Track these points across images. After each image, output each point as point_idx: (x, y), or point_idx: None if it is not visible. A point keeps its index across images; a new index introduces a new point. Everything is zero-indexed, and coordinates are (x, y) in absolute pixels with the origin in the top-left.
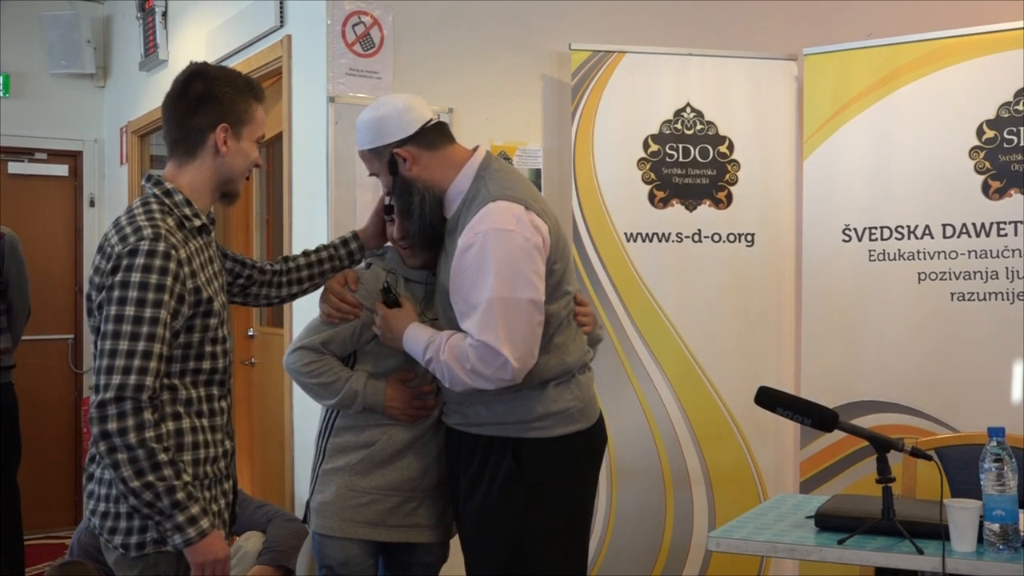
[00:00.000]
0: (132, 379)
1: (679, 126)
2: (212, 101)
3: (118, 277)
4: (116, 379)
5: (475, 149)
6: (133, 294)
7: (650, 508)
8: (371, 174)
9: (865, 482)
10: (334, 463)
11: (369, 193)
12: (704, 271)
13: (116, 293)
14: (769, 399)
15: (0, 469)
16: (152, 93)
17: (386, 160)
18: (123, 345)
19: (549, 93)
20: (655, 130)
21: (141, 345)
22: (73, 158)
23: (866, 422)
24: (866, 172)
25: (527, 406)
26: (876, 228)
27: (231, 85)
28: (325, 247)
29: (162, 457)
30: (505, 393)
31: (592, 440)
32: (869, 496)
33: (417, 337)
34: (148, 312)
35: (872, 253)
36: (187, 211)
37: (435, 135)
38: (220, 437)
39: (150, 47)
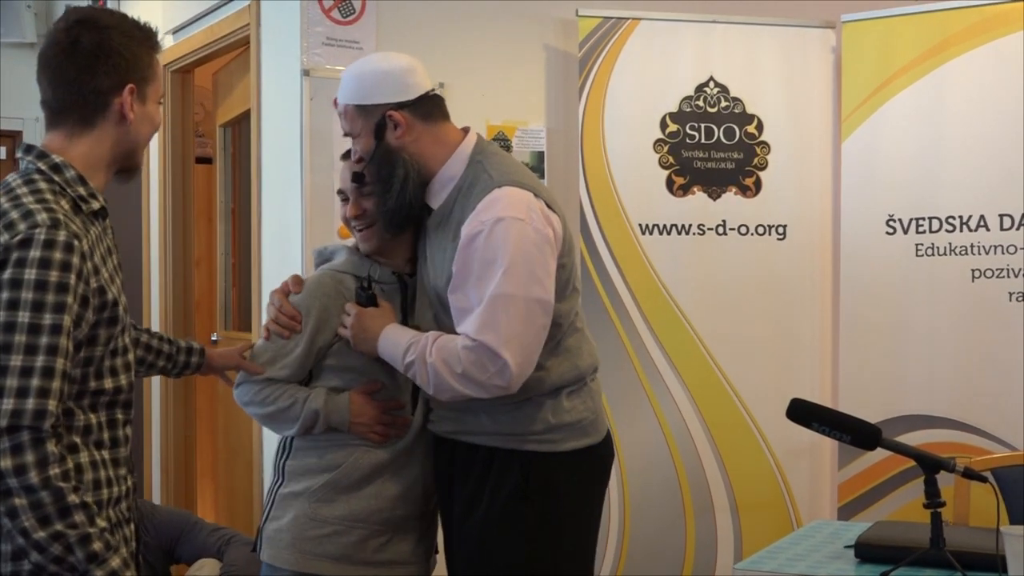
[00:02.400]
0: (30, 404)
1: (701, 103)
2: (113, 56)
3: (6, 275)
4: (9, 404)
5: (465, 131)
6: (28, 296)
7: (668, 536)
8: (347, 134)
9: (911, 507)
10: (293, 487)
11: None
12: (729, 267)
13: (5, 295)
14: (803, 413)
15: None
16: None
17: (374, 121)
18: (16, 361)
19: (553, 65)
20: (674, 108)
21: (40, 360)
22: (11, 138)
23: (912, 439)
24: (912, 155)
25: (536, 416)
26: (924, 219)
27: (129, 36)
28: (172, 342)
29: (72, 499)
30: (512, 400)
31: (603, 456)
32: (916, 523)
33: (396, 338)
34: (47, 319)
35: (919, 247)
36: (81, 191)
37: (433, 107)
38: (123, 473)
39: None
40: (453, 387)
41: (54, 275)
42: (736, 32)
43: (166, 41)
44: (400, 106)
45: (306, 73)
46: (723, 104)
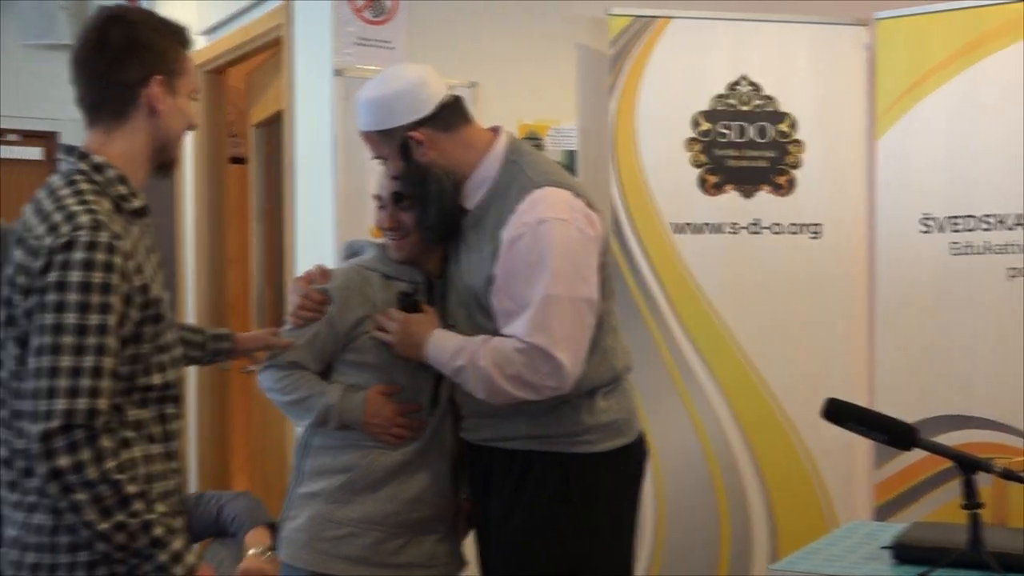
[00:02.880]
0: (82, 402)
1: (733, 101)
2: (140, 49)
3: (52, 277)
4: (61, 404)
5: (494, 130)
6: (73, 297)
7: (702, 537)
8: (375, 157)
9: (949, 508)
10: (310, 487)
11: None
12: (763, 266)
13: (52, 297)
14: (838, 413)
15: None
16: None
17: (397, 144)
18: (66, 361)
19: (585, 64)
20: (706, 106)
21: (88, 360)
22: (47, 139)
23: (950, 439)
24: (948, 153)
25: (574, 418)
26: (960, 217)
27: (157, 30)
28: (201, 330)
29: (130, 489)
30: (549, 402)
31: (638, 455)
32: (954, 524)
33: (444, 343)
34: (94, 319)
35: (955, 246)
36: (122, 189)
37: (452, 114)
38: (175, 466)
39: None
40: (506, 390)
41: (98, 276)
42: (769, 30)
43: (199, 42)
44: (419, 124)
45: (338, 73)
46: (756, 102)
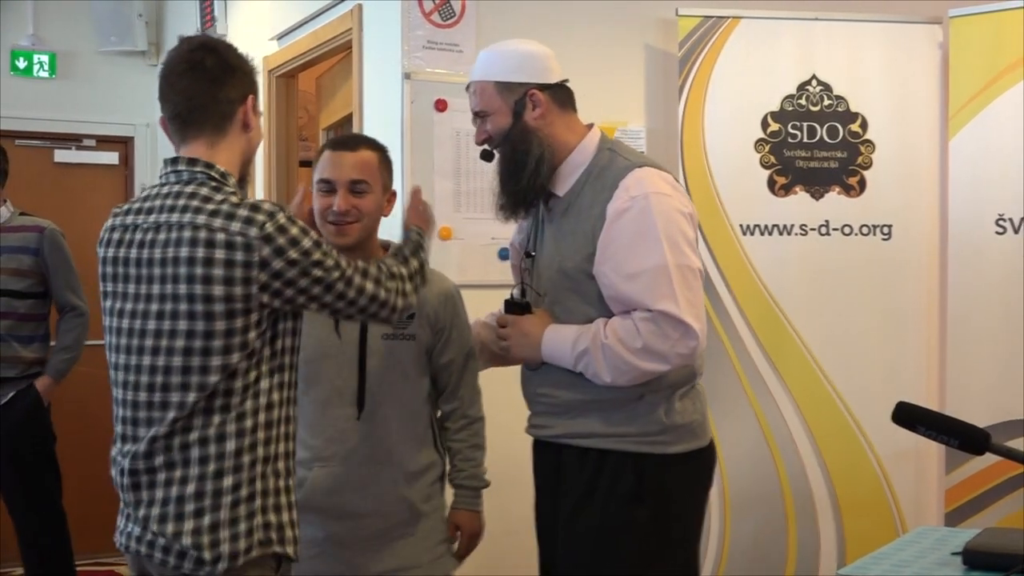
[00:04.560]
0: (352, 272)
1: (803, 101)
2: (237, 71)
3: (293, 254)
4: (369, 286)
5: (590, 126)
6: (318, 256)
7: (770, 541)
8: (477, 112)
9: (1021, 514)
10: None
11: (449, 181)
12: (833, 268)
13: (304, 263)
14: (909, 416)
15: (40, 493)
16: None
17: (514, 99)
18: (352, 284)
19: (653, 65)
20: (775, 107)
21: (355, 276)
22: (124, 144)
23: (1022, 445)
24: (1023, 153)
25: (651, 418)
26: None
27: (240, 56)
28: None
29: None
30: (627, 398)
31: (708, 459)
32: None
33: (561, 335)
34: (331, 260)
35: None
36: (241, 194)
37: (567, 97)
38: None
39: (207, 21)
40: (633, 364)
41: (313, 235)
42: (839, 29)
43: (271, 47)
44: (542, 87)
45: (407, 77)
46: (826, 103)
